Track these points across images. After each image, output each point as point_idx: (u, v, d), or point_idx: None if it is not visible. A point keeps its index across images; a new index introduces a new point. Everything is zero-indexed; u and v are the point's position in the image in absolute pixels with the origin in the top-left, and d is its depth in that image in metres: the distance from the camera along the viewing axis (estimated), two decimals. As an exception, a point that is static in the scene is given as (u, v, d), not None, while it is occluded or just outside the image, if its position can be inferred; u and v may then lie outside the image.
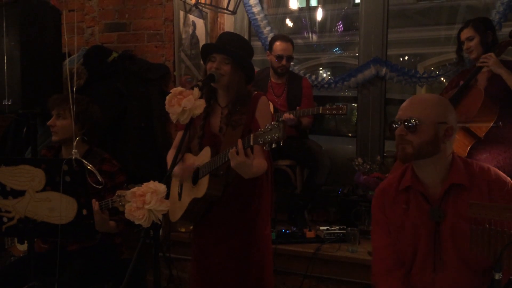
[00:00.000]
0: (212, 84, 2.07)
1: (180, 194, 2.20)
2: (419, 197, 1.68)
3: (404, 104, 1.69)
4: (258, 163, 1.98)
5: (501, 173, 1.65)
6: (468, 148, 2.63)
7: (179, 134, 2.18)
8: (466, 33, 2.87)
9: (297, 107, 3.32)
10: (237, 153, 1.78)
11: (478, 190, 1.60)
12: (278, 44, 3.41)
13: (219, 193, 2.05)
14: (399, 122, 1.65)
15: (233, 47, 2.06)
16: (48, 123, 2.41)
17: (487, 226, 1.25)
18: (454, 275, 1.62)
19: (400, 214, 1.72)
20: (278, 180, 3.18)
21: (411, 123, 1.61)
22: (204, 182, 2.02)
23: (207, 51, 2.11)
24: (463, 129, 2.62)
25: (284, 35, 3.56)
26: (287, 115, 3.21)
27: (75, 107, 2.40)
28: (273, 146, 1.69)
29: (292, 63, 3.72)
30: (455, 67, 3.37)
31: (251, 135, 1.76)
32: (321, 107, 3.21)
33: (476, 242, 1.27)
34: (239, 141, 1.80)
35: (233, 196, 2.11)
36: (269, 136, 1.67)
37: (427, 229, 1.65)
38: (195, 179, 2.10)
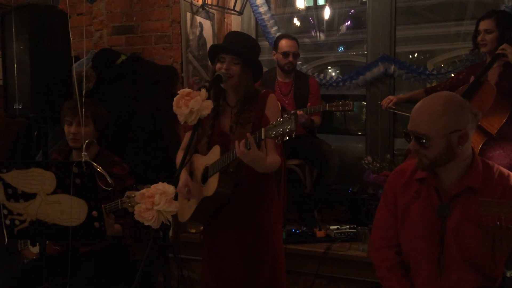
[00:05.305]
0: (221, 85, 2.08)
1: None
2: (432, 191, 1.67)
3: (414, 112, 1.64)
4: (272, 159, 1.99)
5: None
6: (480, 145, 2.60)
7: (187, 135, 2.19)
8: (486, 24, 2.77)
9: (308, 104, 3.29)
10: (249, 148, 1.79)
11: (490, 194, 1.58)
12: (283, 41, 3.41)
13: (229, 191, 2.05)
14: (410, 136, 1.63)
15: (241, 47, 2.07)
16: (72, 131, 2.41)
17: (498, 223, 1.24)
18: (457, 272, 1.61)
19: (408, 200, 1.72)
20: (288, 179, 3.17)
21: (420, 139, 1.58)
22: (213, 180, 2.02)
23: (216, 51, 2.11)
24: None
25: (288, 34, 3.56)
26: (298, 112, 3.18)
27: (92, 111, 2.43)
28: (285, 139, 1.68)
29: (299, 62, 3.71)
30: (465, 63, 3.35)
31: (262, 128, 1.77)
32: (327, 104, 3.20)
33: (487, 239, 1.26)
34: (249, 135, 1.80)
35: (243, 196, 2.11)
36: (281, 129, 1.67)
37: (432, 223, 1.65)
38: (204, 178, 2.11)
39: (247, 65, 2.08)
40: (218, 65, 2.08)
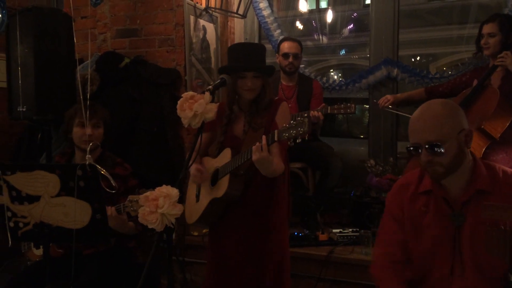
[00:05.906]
0: (246, 98, 2.12)
1: (197, 196, 2.22)
2: (440, 201, 1.64)
3: (415, 123, 1.60)
4: (277, 164, 2.00)
5: None
6: (483, 149, 2.59)
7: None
8: (490, 28, 2.78)
9: (323, 104, 3.27)
10: (261, 148, 1.81)
11: (500, 194, 1.57)
12: (285, 44, 3.44)
13: (238, 193, 2.07)
14: (419, 148, 1.57)
15: (258, 60, 2.10)
16: (88, 133, 2.40)
17: (502, 227, 1.23)
18: (470, 280, 1.59)
19: (418, 215, 1.69)
20: (290, 182, 3.17)
21: (435, 147, 1.53)
22: (224, 181, 2.04)
23: (236, 70, 2.11)
24: (478, 130, 2.58)
25: (290, 37, 3.57)
26: (314, 113, 3.17)
27: (101, 114, 2.45)
28: (298, 141, 1.69)
29: (302, 65, 3.71)
30: (468, 66, 3.34)
31: (275, 130, 1.79)
32: (329, 107, 3.19)
33: (491, 243, 1.25)
34: (264, 137, 1.82)
35: (251, 198, 2.13)
36: (294, 131, 1.69)
37: (447, 232, 1.62)
38: (214, 180, 2.12)
39: (267, 75, 2.14)
40: (240, 81, 2.09)
